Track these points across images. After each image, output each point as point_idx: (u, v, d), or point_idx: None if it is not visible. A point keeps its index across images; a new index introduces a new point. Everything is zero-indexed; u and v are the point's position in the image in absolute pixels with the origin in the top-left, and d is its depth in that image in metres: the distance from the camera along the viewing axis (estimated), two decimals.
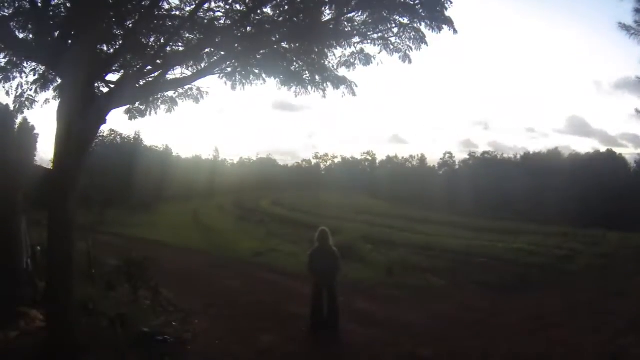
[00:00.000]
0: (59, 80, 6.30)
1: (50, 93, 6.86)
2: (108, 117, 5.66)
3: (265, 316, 7.47)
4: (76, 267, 6.16)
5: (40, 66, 6.40)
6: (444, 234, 20.69)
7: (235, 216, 31.28)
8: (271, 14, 6.38)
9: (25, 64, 6.37)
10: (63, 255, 4.94)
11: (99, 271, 9.03)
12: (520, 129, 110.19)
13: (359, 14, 6.21)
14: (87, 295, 7.22)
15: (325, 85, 6.99)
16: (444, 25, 5.91)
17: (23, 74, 6.41)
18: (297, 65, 7.00)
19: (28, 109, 6.74)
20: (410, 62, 6.36)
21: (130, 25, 6.19)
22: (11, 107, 6.63)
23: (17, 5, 5.68)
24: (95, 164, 26.16)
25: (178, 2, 6.26)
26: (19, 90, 6.44)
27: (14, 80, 6.38)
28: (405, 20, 6.13)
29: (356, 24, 6.37)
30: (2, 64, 6.25)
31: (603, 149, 43.85)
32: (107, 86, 6.43)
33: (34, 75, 6.55)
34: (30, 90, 6.58)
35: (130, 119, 7.34)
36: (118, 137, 46.94)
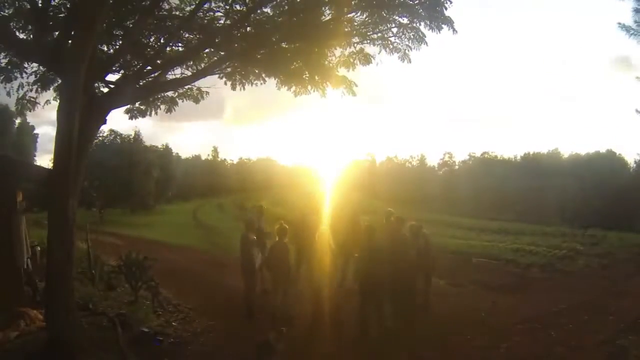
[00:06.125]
0: (59, 81, 6.31)
1: (50, 94, 6.87)
2: (108, 117, 5.68)
3: (266, 316, 7.46)
4: (76, 267, 6.17)
5: (41, 67, 6.40)
6: (444, 233, 20.63)
7: (235, 216, 31.24)
8: (271, 14, 6.40)
9: (26, 65, 6.38)
10: (63, 255, 4.94)
11: (99, 271, 9.04)
12: (521, 129, 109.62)
13: (359, 14, 6.23)
14: (87, 295, 7.23)
15: (324, 84, 7.01)
16: (443, 25, 5.93)
17: (24, 74, 6.43)
18: (296, 65, 7.01)
19: (30, 111, 6.77)
20: (410, 61, 6.39)
21: (130, 25, 6.20)
22: (12, 108, 6.65)
23: (17, 5, 5.68)
24: (95, 164, 26.15)
25: (178, 2, 6.29)
26: (20, 91, 6.45)
27: (15, 80, 6.40)
28: (405, 20, 6.15)
29: (356, 24, 6.38)
30: (3, 64, 6.26)
31: (603, 149, 43.71)
32: (107, 86, 6.44)
33: (35, 76, 6.56)
34: (31, 91, 6.59)
35: (130, 118, 7.37)
36: (118, 137, 46.92)
